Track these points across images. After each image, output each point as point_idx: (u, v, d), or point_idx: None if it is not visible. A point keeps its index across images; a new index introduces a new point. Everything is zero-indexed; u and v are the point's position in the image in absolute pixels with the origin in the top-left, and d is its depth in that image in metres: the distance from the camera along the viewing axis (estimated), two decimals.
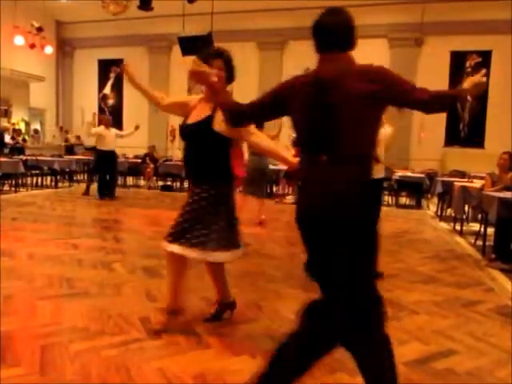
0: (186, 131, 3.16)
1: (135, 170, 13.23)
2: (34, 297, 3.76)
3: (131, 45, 17.71)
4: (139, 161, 13.50)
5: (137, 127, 10.54)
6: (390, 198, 11.45)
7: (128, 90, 16.59)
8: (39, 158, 12.47)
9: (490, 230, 6.20)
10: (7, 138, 14.94)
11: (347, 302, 2.09)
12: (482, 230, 6.46)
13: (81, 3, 15.77)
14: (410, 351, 2.98)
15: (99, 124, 10.57)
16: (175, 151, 15.37)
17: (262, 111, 2.34)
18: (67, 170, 12.97)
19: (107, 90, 18.71)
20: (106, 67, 18.41)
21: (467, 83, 2.18)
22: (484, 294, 4.40)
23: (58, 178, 12.71)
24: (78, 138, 17.58)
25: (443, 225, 8.69)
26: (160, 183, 13.19)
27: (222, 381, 2.56)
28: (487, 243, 6.17)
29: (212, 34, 12.09)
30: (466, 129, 14.37)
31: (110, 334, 3.09)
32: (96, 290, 4.03)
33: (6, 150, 13.85)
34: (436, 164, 14.01)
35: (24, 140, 15.64)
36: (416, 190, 11.07)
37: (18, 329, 3.12)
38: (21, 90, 16.85)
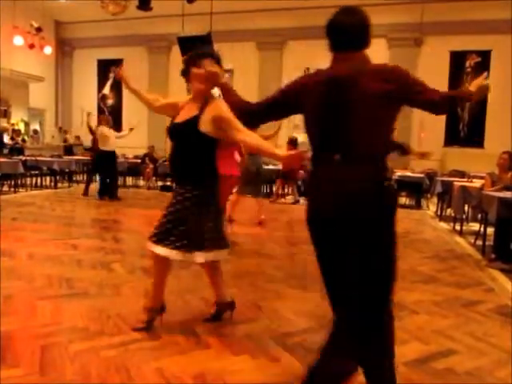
0: (173, 131, 3.17)
1: (135, 170, 13.23)
2: (33, 297, 3.76)
3: (130, 45, 17.72)
4: (139, 161, 13.50)
5: (131, 129, 10.56)
6: None
7: (127, 91, 16.61)
8: (39, 158, 12.46)
9: (490, 230, 6.20)
10: (6, 139, 14.94)
11: (360, 302, 2.08)
12: (482, 229, 6.46)
13: (80, 3, 15.76)
14: (410, 351, 2.98)
15: (99, 124, 10.54)
16: None
17: (274, 110, 2.33)
18: (67, 170, 12.97)
19: (106, 90, 18.67)
20: (106, 67, 18.42)
21: (472, 86, 2.18)
22: (484, 293, 4.39)
23: (58, 178, 12.71)
24: (78, 138, 17.58)
25: (443, 225, 8.69)
26: (159, 183, 13.18)
27: (222, 381, 2.56)
28: (487, 243, 6.17)
29: (211, 34, 12.07)
30: (466, 129, 14.38)
31: (110, 334, 3.09)
32: (95, 290, 4.02)
33: (6, 151, 13.85)
34: (436, 164, 14.01)
35: (23, 140, 15.64)
36: (416, 189, 11.06)
37: (18, 329, 3.12)
38: (20, 90, 16.84)
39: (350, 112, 2.03)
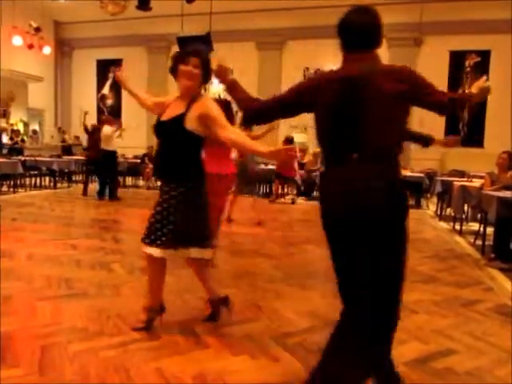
0: (159, 128, 3.16)
1: (134, 170, 13.23)
2: (33, 297, 3.76)
3: (130, 45, 17.72)
4: (138, 161, 13.49)
5: (123, 129, 10.62)
6: None
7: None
8: (38, 158, 12.46)
9: (490, 230, 6.20)
10: (5, 139, 14.92)
11: (371, 302, 2.08)
12: (482, 229, 6.46)
13: (79, 3, 15.76)
14: (410, 351, 2.98)
15: (103, 124, 10.51)
16: None
17: (284, 109, 2.31)
18: (66, 170, 12.97)
19: (106, 90, 18.73)
20: (105, 67, 18.43)
21: (473, 88, 2.24)
22: (483, 293, 4.39)
23: (57, 178, 12.71)
24: (77, 138, 17.57)
25: (443, 224, 8.69)
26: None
27: (222, 381, 2.55)
28: (487, 243, 6.17)
29: (211, 34, 12.09)
30: (466, 128, 14.37)
31: (109, 335, 3.09)
32: (95, 290, 4.02)
33: (5, 151, 13.83)
34: (435, 163, 14.02)
35: (23, 140, 15.62)
36: (415, 189, 11.06)
37: (18, 329, 3.12)
38: (19, 90, 16.83)
39: (365, 111, 2.05)
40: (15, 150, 14.16)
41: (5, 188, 11.16)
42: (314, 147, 14.51)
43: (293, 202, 11.09)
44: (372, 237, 2.03)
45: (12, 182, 11.01)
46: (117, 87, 17.64)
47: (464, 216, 7.90)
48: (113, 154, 10.20)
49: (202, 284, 3.39)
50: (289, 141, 11.24)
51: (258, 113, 2.37)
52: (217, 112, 3.02)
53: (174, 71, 3.12)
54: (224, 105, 5.07)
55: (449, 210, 9.19)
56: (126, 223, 7.92)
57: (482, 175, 7.57)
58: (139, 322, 3.19)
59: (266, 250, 5.89)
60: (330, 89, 2.10)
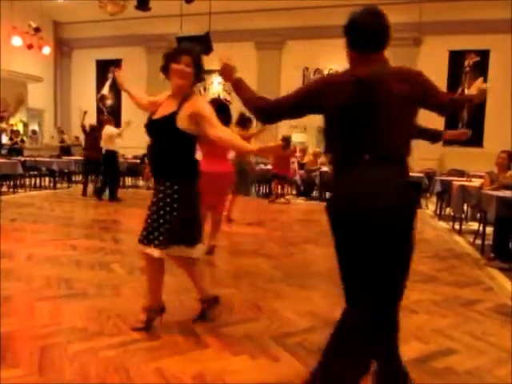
0: (150, 127, 3.15)
1: (134, 170, 13.21)
2: (32, 298, 3.76)
3: (129, 45, 17.71)
4: (138, 161, 13.48)
5: (127, 123, 10.49)
6: None
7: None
8: (37, 158, 12.46)
9: (489, 229, 6.20)
10: (5, 139, 14.91)
11: (370, 304, 2.11)
12: (481, 229, 6.47)
13: (78, 3, 15.76)
14: (410, 350, 2.98)
15: (104, 124, 10.49)
16: None
17: (294, 109, 2.29)
18: (66, 170, 12.96)
19: (105, 90, 18.76)
20: (104, 67, 18.45)
21: (471, 89, 2.31)
22: (483, 293, 4.40)
23: (57, 178, 12.71)
24: (77, 138, 17.55)
25: (442, 224, 8.69)
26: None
27: (221, 381, 2.55)
28: (486, 242, 6.17)
29: (210, 34, 12.09)
30: (465, 128, 14.35)
31: (109, 335, 3.09)
32: (94, 290, 4.02)
33: (4, 151, 13.82)
34: (435, 163, 14.03)
35: (22, 141, 15.62)
36: (415, 189, 11.03)
37: (18, 329, 3.12)
38: (19, 90, 16.83)
39: (377, 112, 2.06)
40: (15, 150, 14.15)
41: (4, 188, 11.15)
42: (313, 147, 14.53)
43: (287, 202, 11.03)
44: (385, 237, 2.04)
45: (12, 183, 11.00)
46: (116, 87, 17.61)
47: (463, 215, 7.90)
48: (114, 154, 10.20)
49: (193, 283, 3.39)
50: (285, 140, 11.19)
51: (268, 112, 2.34)
52: (208, 111, 3.03)
53: (165, 70, 3.12)
54: (221, 105, 5.09)
55: (448, 209, 9.19)
56: (126, 223, 7.92)
57: (482, 175, 7.58)
58: (139, 322, 3.19)
59: (266, 250, 5.89)
60: (342, 90, 2.09)
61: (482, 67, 14.10)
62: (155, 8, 12.69)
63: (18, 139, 15.39)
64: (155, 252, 3.03)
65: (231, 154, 5.78)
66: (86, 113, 11.43)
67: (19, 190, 11.12)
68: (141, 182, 13.50)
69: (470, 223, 8.01)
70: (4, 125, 15.74)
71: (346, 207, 2.11)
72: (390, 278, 2.09)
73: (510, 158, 6.58)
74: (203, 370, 2.66)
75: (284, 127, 14.73)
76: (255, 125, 7.31)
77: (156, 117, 3.12)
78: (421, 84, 2.12)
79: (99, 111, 18.67)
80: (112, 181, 10.32)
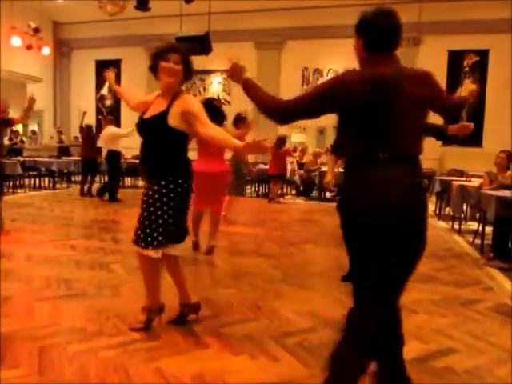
0: (141, 126, 3.15)
1: (133, 170, 13.19)
2: (32, 298, 3.75)
3: (129, 45, 17.70)
4: (137, 161, 13.45)
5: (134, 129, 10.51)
6: None
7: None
8: (37, 159, 12.45)
9: (489, 229, 6.20)
10: (4, 140, 14.87)
11: (371, 304, 2.14)
12: (481, 228, 6.47)
13: (78, 3, 15.75)
14: (409, 350, 2.97)
15: (106, 124, 10.49)
16: None
17: (310, 110, 2.25)
18: (65, 171, 12.95)
19: (105, 90, 18.76)
20: (104, 68, 18.44)
21: (464, 92, 2.45)
22: (483, 292, 4.40)
23: (56, 179, 12.70)
24: (76, 138, 17.54)
25: (442, 224, 8.69)
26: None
27: (221, 381, 2.55)
28: (485, 242, 6.17)
29: (209, 34, 12.10)
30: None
31: (109, 335, 3.09)
32: (94, 290, 4.02)
33: (4, 152, 13.79)
34: (434, 163, 14.02)
35: (22, 141, 15.61)
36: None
37: (17, 330, 3.12)
38: (18, 91, 16.81)
39: (393, 112, 2.08)
40: (14, 150, 14.14)
41: (4, 188, 11.14)
42: (313, 147, 14.53)
43: (278, 202, 11.03)
44: (395, 237, 2.06)
45: (11, 183, 10.99)
46: None
47: (463, 215, 7.90)
48: (118, 154, 10.19)
49: (175, 284, 3.35)
50: (280, 140, 11.20)
51: (284, 114, 2.31)
52: (198, 109, 3.04)
53: (154, 69, 3.11)
54: (212, 106, 5.12)
55: (448, 209, 9.19)
56: (126, 223, 7.90)
57: (481, 174, 7.58)
58: (138, 323, 3.19)
59: (266, 250, 5.89)
60: (358, 90, 2.08)
61: (481, 67, 14.11)
62: (155, 8, 12.69)
63: (18, 139, 15.39)
64: (155, 253, 3.03)
65: (228, 154, 5.79)
66: (85, 113, 11.43)
67: (19, 191, 11.12)
68: (140, 182, 13.48)
69: (470, 223, 8.01)
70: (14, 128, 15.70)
71: (358, 206, 2.11)
72: (394, 279, 2.11)
73: (509, 158, 6.58)
74: (203, 369, 2.66)
75: (283, 127, 14.72)
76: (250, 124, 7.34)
77: (147, 116, 3.11)
78: (431, 86, 2.15)
79: (98, 111, 18.67)
80: (114, 181, 10.32)
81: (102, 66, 18.40)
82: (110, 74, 4.01)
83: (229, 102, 16.16)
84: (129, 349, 2.89)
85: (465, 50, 14.46)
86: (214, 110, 4.89)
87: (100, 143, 10.97)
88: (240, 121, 7.04)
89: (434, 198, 10.55)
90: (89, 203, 9.90)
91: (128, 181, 13.55)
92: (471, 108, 14.13)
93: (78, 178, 13.91)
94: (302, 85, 15.69)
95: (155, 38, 17.06)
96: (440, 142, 14.94)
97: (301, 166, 12.62)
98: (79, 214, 8.81)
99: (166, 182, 3.03)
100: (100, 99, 18.87)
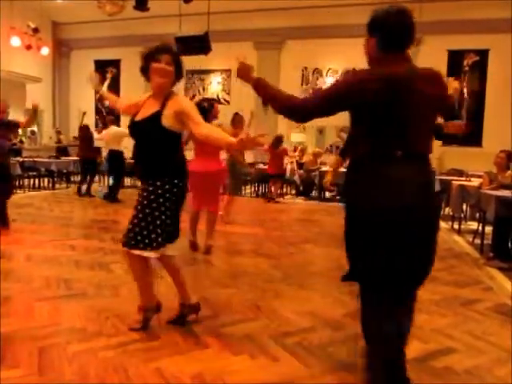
0: (135, 128, 3.13)
1: (133, 170, 13.16)
2: (32, 298, 3.75)
3: (128, 45, 17.66)
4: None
5: None
6: None
7: (125, 91, 16.59)
8: (36, 159, 12.43)
9: (488, 229, 6.20)
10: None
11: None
12: (480, 228, 6.47)
13: (77, 4, 15.73)
14: (409, 350, 2.96)
15: (108, 124, 10.49)
16: None
17: (327, 108, 2.24)
18: (64, 171, 12.94)
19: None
20: (103, 68, 18.41)
21: (449, 89, 2.49)
22: (482, 292, 4.40)
23: (56, 179, 12.69)
24: (75, 138, 17.51)
25: (441, 223, 8.68)
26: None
27: (221, 381, 2.55)
28: (485, 242, 6.17)
29: (209, 34, 12.09)
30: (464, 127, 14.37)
31: (108, 335, 3.08)
32: (94, 291, 4.02)
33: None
34: (434, 163, 13.89)
35: (21, 141, 15.59)
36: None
37: (17, 330, 3.12)
38: (18, 91, 16.80)
39: (408, 111, 2.10)
40: (13, 150, 14.12)
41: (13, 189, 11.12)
42: (313, 147, 14.53)
43: (277, 201, 11.05)
44: (420, 232, 2.11)
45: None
46: (115, 88, 17.64)
47: (463, 215, 7.91)
48: (120, 154, 10.17)
49: (175, 285, 3.34)
50: (277, 139, 11.23)
51: (301, 113, 2.28)
52: (191, 109, 3.05)
53: (145, 70, 3.11)
54: (203, 107, 5.17)
55: (447, 209, 9.20)
56: (125, 224, 7.85)
57: (481, 174, 7.58)
58: (135, 323, 3.18)
59: (265, 250, 5.88)
60: (373, 88, 2.09)
61: (481, 67, 14.10)
62: (154, 8, 12.68)
63: (17, 140, 15.37)
64: (155, 254, 3.03)
65: (224, 154, 5.81)
66: (85, 114, 11.42)
67: (18, 191, 11.11)
68: (139, 182, 13.44)
69: (469, 223, 8.02)
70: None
71: (372, 204, 2.12)
72: (406, 279, 2.14)
73: (509, 158, 6.59)
74: (203, 369, 2.65)
75: (283, 127, 14.73)
76: (247, 123, 7.43)
77: (139, 118, 3.10)
78: (441, 85, 2.22)
79: (98, 111, 18.64)
80: (115, 181, 10.32)
81: (101, 66, 18.38)
82: (95, 76, 3.97)
83: (228, 102, 16.15)
84: (128, 349, 2.89)
85: (465, 49, 14.43)
86: (202, 110, 4.97)
87: (99, 143, 10.96)
88: (237, 120, 7.15)
89: None
90: (88, 203, 9.91)
91: (127, 181, 13.53)
92: (471, 107, 14.16)
93: (78, 178, 13.92)
94: (302, 84, 15.67)
95: (154, 37, 16.98)
96: (440, 142, 14.90)
97: (300, 165, 12.62)
98: (79, 214, 8.81)
99: (161, 183, 3.02)
100: (99, 99, 18.83)
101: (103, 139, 10.41)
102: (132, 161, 3.38)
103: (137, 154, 3.16)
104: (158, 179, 3.03)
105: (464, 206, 7.70)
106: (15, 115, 16.87)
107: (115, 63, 17.79)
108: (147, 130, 3.05)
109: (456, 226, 7.84)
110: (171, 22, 14.03)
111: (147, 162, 3.11)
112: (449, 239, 7.14)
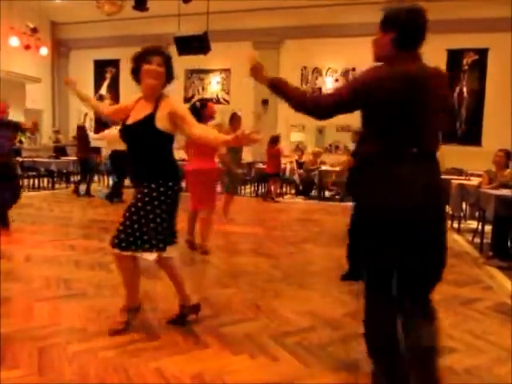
0: (127, 132, 3.11)
1: None
2: (31, 298, 3.75)
3: (127, 45, 17.58)
4: None
5: None
6: None
7: (124, 91, 16.59)
8: (36, 159, 12.43)
9: (488, 228, 6.20)
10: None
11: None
12: (480, 227, 6.47)
13: (76, 3, 15.71)
14: None
15: (110, 125, 10.47)
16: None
17: (347, 105, 2.23)
18: (64, 171, 12.93)
19: (103, 90, 18.74)
20: (102, 68, 18.42)
21: None
22: (482, 291, 4.40)
23: (55, 179, 12.68)
24: (75, 138, 17.48)
25: None
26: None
27: (221, 380, 2.55)
28: (485, 241, 6.17)
29: (208, 34, 12.08)
30: (464, 126, 14.37)
31: (108, 335, 3.08)
32: (94, 290, 4.02)
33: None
34: None
35: (20, 141, 15.56)
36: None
37: (17, 330, 3.11)
38: (17, 91, 16.79)
39: (422, 109, 2.11)
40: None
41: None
42: (312, 146, 14.53)
43: (276, 201, 11.09)
44: (433, 232, 2.14)
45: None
46: (114, 87, 17.68)
47: (462, 214, 7.91)
48: (123, 154, 10.14)
49: (174, 285, 3.32)
50: (273, 139, 11.27)
51: (322, 112, 2.27)
52: (183, 110, 3.05)
53: (136, 72, 3.10)
54: (196, 109, 5.24)
55: (447, 208, 9.19)
56: None
57: (480, 173, 7.59)
58: (118, 324, 3.16)
59: (265, 250, 5.89)
60: (395, 86, 2.09)
61: (480, 66, 14.09)
62: (153, 8, 12.67)
63: (17, 140, 15.34)
64: (151, 256, 3.03)
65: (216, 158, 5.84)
66: (86, 114, 11.42)
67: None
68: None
69: (469, 222, 8.02)
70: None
71: (387, 203, 2.12)
72: (415, 279, 2.16)
73: (508, 157, 6.60)
74: (203, 369, 2.65)
75: (283, 126, 14.73)
76: (252, 124, 7.46)
77: (131, 121, 3.08)
78: (447, 87, 2.26)
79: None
80: (117, 181, 10.32)
81: (100, 66, 18.41)
82: (72, 82, 3.84)
83: (228, 102, 16.15)
84: (128, 349, 2.89)
85: (464, 48, 14.42)
86: (195, 110, 5.08)
87: (100, 143, 10.96)
88: (235, 119, 7.23)
89: None
90: (88, 203, 9.90)
91: (127, 181, 13.52)
92: (470, 107, 14.15)
93: (77, 179, 13.93)
94: (301, 84, 15.65)
95: (153, 37, 17.02)
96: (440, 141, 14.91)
97: (300, 165, 12.62)
98: (78, 214, 8.79)
99: (156, 186, 3.02)
100: (98, 99, 18.84)
101: (105, 139, 10.39)
102: None
103: (130, 157, 3.15)
104: (152, 182, 3.03)
105: (463, 205, 7.70)
106: (15, 115, 16.93)
107: (114, 63, 17.80)
108: (141, 133, 3.02)
109: (455, 225, 7.84)
110: (170, 21, 14.02)
111: (141, 165, 3.09)
112: (448, 238, 7.11)
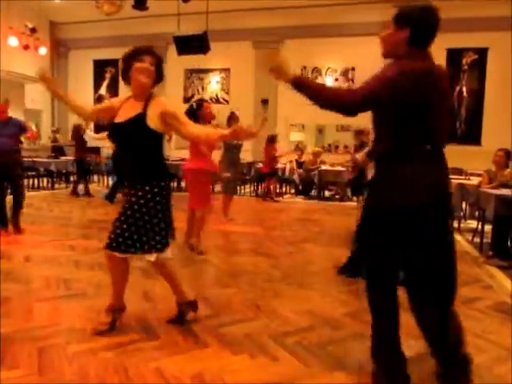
0: (116, 131, 3.08)
1: None
2: (31, 299, 3.75)
3: (126, 45, 17.25)
4: None
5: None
6: None
7: (124, 91, 16.58)
8: (35, 159, 12.42)
9: (488, 227, 6.20)
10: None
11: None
12: (480, 227, 6.47)
13: (75, 3, 15.70)
14: (409, 349, 2.97)
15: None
16: (171, 151, 15.34)
17: (376, 102, 2.20)
18: (63, 171, 12.93)
19: (103, 90, 18.73)
20: (101, 68, 18.41)
21: None
22: (482, 291, 4.40)
23: (55, 179, 12.68)
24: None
25: None
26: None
27: (221, 380, 2.55)
28: (485, 240, 6.17)
29: (207, 33, 12.08)
30: (463, 126, 14.37)
31: (108, 335, 3.08)
32: (93, 291, 4.02)
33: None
34: None
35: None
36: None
37: (17, 330, 3.11)
38: (16, 91, 16.78)
39: (437, 108, 2.14)
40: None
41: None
42: (312, 146, 14.52)
43: (276, 200, 11.10)
44: (445, 226, 2.14)
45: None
46: (114, 87, 17.65)
47: (462, 214, 7.91)
48: None
49: (169, 284, 3.33)
50: (272, 138, 11.30)
51: (353, 109, 2.23)
52: (176, 110, 3.04)
53: (126, 71, 3.07)
54: (191, 110, 5.27)
55: None
56: None
57: (480, 173, 7.59)
58: (102, 325, 3.15)
59: (265, 249, 5.88)
60: (408, 84, 2.09)
61: (480, 65, 14.09)
62: (152, 7, 12.68)
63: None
64: (148, 257, 3.03)
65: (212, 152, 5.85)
66: None
67: None
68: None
69: (469, 221, 8.03)
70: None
71: (416, 197, 2.14)
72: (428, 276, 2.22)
73: (508, 156, 6.59)
74: (203, 369, 2.65)
75: (282, 126, 14.73)
76: (258, 127, 7.50)
77: (120, 120, 3.03)
78: (449, 86, 2.29)
79: None
80: (118, 181, 10.31)
81: (99, 66, 18.39)
82: (49, 78, 3.66)
83: (227, 101, 16.14)
84: (128, 349, 2.89)
85: (463, 48, 14.42)
86: (191, 110, 5.13)
87: (100, 143, 10.96)
88: (233, 119, 7.29)
89: None
90: (88, 203, 9.90)
91: None
92: (470, 106, 14.15)
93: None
94: None
95: (153, 37, 17.04)
96: None
97: (300, 164, 12.63)
98: (78, 214, 8.79)
99: (150, 187, 3.00)
100: (98, 99, 18.81)
101: (105, 139, 10.39)
102: None
103: (121, 157, 3.13)
104: (146, 183, 3.00)
105: (463, 205, 7.70)
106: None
107: (114, 63, 17.76)
108: (131, 132, 2.98)
109: (455, 224, 7.84)
110: (170, 21, 14.03)
111: (133, 166, 3.06)
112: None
